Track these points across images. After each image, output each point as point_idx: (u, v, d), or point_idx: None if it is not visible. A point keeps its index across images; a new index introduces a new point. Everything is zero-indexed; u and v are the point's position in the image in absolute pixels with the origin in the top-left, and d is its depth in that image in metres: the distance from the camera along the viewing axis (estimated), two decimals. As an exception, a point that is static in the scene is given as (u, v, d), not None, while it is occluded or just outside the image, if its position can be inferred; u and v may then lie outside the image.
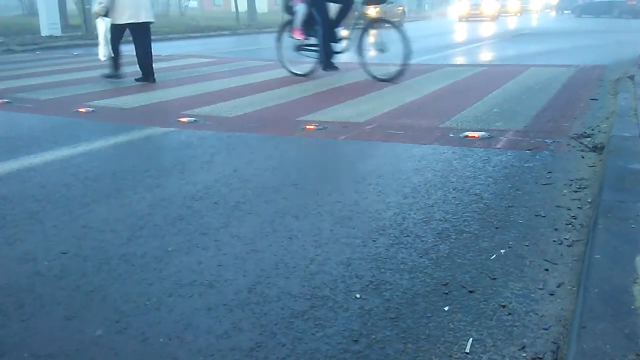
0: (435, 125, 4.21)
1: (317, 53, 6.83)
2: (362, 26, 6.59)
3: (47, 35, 14.26)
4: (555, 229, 2.33)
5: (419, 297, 1.83)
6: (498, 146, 3.64)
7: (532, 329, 1.64)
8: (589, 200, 2.62)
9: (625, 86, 5.34)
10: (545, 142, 3.69)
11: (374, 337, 1.62)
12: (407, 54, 6.24)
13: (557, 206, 2.58)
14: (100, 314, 1.76)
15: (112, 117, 4.76)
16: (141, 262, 2.09)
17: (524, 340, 1.58)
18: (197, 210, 2.61)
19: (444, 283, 1.91)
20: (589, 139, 3.71)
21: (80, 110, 5.04)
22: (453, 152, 3.53)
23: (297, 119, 4.54)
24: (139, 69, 6.80)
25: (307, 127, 4.24)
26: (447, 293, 1.85)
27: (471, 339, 1.60)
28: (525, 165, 3.23)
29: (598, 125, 4.07)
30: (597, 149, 3.44)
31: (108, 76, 6.88)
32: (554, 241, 2.22)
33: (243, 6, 20.85)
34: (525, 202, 2.64)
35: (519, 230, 2.32)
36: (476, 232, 2.32)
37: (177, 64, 8.97)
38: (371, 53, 6.82)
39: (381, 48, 6.30)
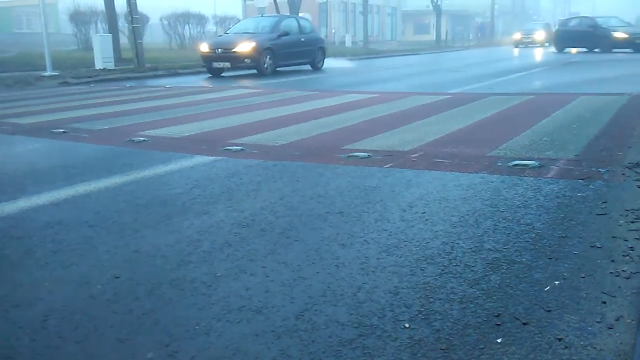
0: (482, 154, 4.16)
1: None
2: None
3: (101, 68, 14.89)
4: (612, 261, 2.24)
5: (470, 328, 1.78)
6: (549, 175, 3.56)
7: (591, 364, 1.58)
8: (648, 231, 2.52)
9: (682, 114, 5.16)
10: (599, 171, 3.58)
11: (424, 367, 1.59)
12: None
13: (613, 237, 2.49)
14: (151, 337, 1.79)
15: (163, 146, 4.89)
16: (190, 287, 2.12)
17: (583, 376, 1.52)
18: (244, 237, 2.63)
19: (495, 314, 1.86)
20: (645, 168, 3.59)
21: (133, 139, 5.21)
22: (502, 181, 3.47)
23: (342, 147, 4.56)
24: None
25: (352, 155, 4.25)
26: (499, 324, 1.80)
27: (526, 372, 1.55)
28: (578, 194, 3.14)
29: (654, 154, 3.94)
30: (654, 178, 3.32)
31: None
32: (611, 273, 2.14)
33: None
34: (580, 233, 2.56)
35: (574, 262, 2.25)
36: (528, 262, 2.26)
37: (224, 94, 9.20)
38: None
39: None
